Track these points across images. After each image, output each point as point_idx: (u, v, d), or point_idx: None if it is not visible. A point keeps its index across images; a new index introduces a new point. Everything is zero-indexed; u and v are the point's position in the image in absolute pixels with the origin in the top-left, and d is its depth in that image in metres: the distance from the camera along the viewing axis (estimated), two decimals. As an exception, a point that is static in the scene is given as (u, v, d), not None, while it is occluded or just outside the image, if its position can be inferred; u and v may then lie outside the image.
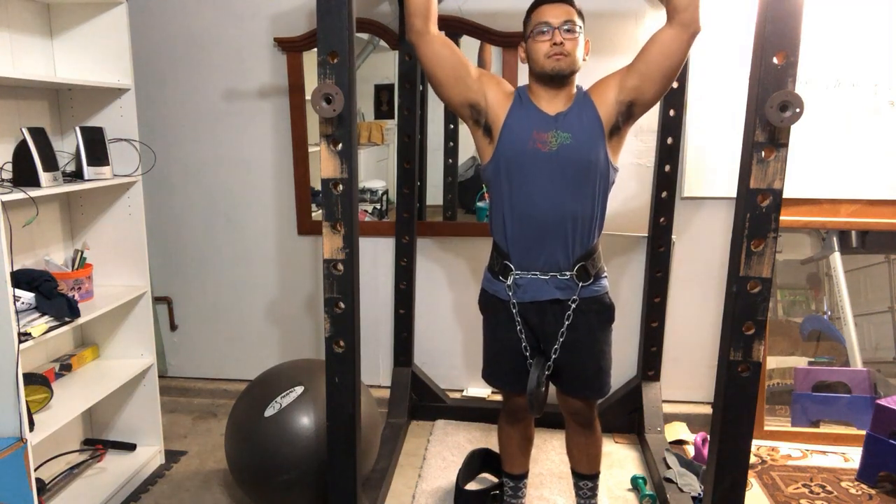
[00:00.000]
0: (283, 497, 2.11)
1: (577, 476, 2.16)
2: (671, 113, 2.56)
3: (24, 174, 1.98)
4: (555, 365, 1.94)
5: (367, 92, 3.06)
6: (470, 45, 2.81)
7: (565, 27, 1.76)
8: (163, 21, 2.91)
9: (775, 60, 1.45)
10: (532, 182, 1.81)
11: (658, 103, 2.58)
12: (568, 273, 1.86)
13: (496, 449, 2.46)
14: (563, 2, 1.79)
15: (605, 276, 1.96)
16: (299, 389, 2.14)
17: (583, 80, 1.88)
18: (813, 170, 2.69)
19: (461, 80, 1.82)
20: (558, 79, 1.79)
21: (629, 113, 1.82)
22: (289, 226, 3.05)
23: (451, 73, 1.81)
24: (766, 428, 2.73)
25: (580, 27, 1.79)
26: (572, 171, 1.79)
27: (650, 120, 2.72)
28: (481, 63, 2.85)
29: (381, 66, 3.04)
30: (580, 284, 1.87)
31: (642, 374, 2.80)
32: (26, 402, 1.86)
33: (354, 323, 1.75)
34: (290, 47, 2.84)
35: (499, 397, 3.01)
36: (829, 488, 2.41)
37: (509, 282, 1.90)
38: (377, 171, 3.26)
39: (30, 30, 2.24)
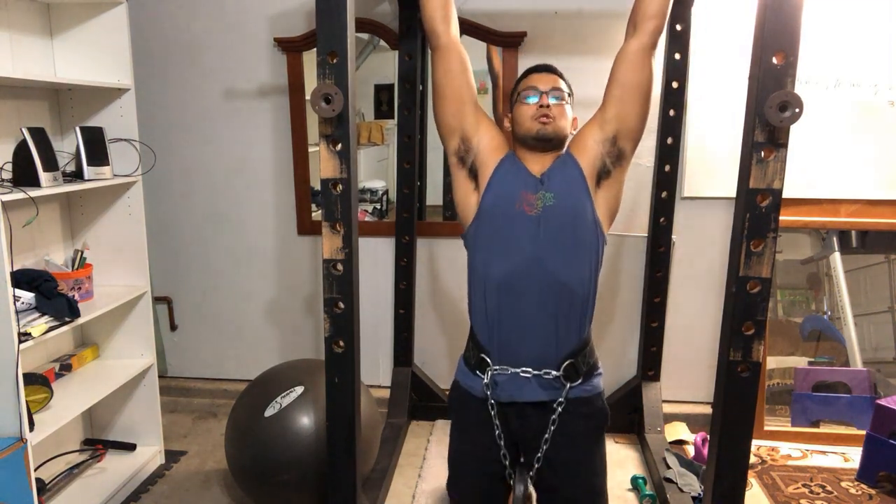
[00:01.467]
0: (283, 497, 2.12)
1: None
2: (671, 113, 2.56)
3: (24, 174, 1.98)
4: (538, 486, 1.71)
5: (367, 92, 3.06)
6: (470, 45, 2.80)
7: (553, 94, 1.70)
8: (163, 21, 2.91)
9: (775, 60, 1.45)
10: (518, 248, 1.66)
11: (658, 103, 2.60)
12: (553, 371, 1.66)
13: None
14: (551, 72, 1.75)
15: (600, 374, 1.76)
16: (299, 389, 2.14)
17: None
18: (813, 170, 2.69)
19: (463, 104, 1.74)
20: (543, 142, 1.70)
21: (617, 151, 1.72)
22: (289, 226, 3.05)
23: (455, 92, 1.74)
24: (766, 428, 2.73)
25: (569, 96, 1.74)
26: (559, 233, 1.66)
27: (650, 120, 2.70)
28: (489, 61, 2.85)
29: (381, 66, 3.05)
30: (567, 385, 1.67)
31: (642, 374, 2.80)
32: (26, 402, 1.86)
33: (354, 323, 1.74)
34: (290, 47, 2.84)
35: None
36: (829, 488, 2.41)
37: (487, 378, 1.69)
38: (377, 171, 3.26)
39: (30, 30, 2.24)
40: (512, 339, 1.68)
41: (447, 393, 2.93)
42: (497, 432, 1.71)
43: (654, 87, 1.75)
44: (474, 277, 1.74)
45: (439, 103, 1.77)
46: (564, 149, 1.76)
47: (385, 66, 3.03)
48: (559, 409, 1.67)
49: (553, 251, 1.66)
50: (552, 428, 1.67)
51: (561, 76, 1.77)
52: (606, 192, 1.73)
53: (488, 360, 1.70)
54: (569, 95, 1.75)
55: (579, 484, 1.72)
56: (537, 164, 1.72)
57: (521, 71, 2.72)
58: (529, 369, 1.66)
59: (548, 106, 1.69)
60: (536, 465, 1.70)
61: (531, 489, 1.71)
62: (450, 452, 1.83)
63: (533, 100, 1.71)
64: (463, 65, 1.74)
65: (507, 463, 1.73)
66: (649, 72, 1.70)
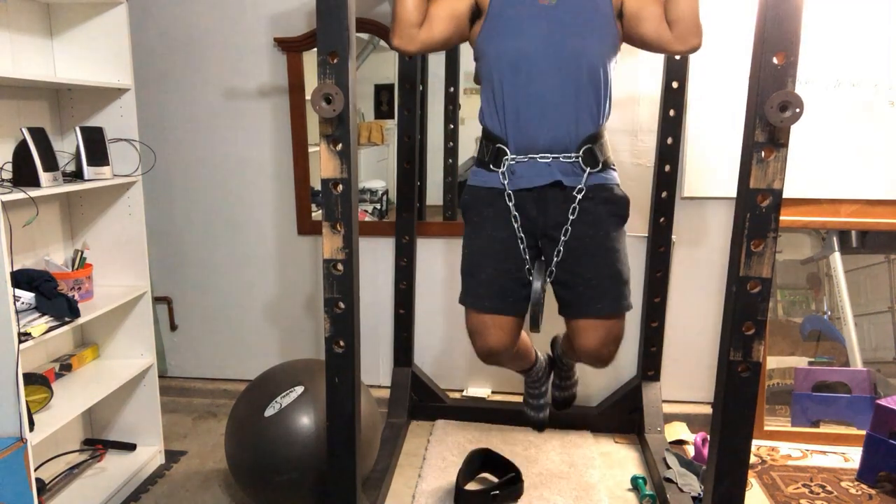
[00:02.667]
0: (283, 497, 2.12)
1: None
2: (671, 113, 2.56)
3: (24, 174, 1.98)
4: (558, 276, 1.64)
5: (367, 92, 3.06)
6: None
7: None
8: (163, 21, 2.91)
9: (775, 60, 1.45)
10: (532, 28, 1.60)
11: (658, 103, 2.60)
12: (573, 155, 1.61)
13: (496, 449, 2.46)
14: None
15: (615, 169, 1.72)
16: (299, 389, 2.15)
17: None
18: (813, 170, 2.69)
19: (456, 15, 1.69)
20: None
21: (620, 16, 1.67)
22: (289, 226, 3.05)
23: (451, 25, 1.69)
24: (766, 428, 2.73)
25: None
26: (576, 16, 1.62)
27: (650, 120, 2.72)
28: None
29: (381, 66, 3.04)
30: (587, 170, 1.62)
31: (642, 374, 2.80)
32: (26, 402, 1.86)
33: (354, 323, 1.74)
34: (290, 47, 2.84)
35: (500, 397, 3.02)
36: (829, 488, 2.41)
37: (503, 168, 1.63)
38: (377, 171, 3.26)
39: (30, 30, 2.24)
40: (530, 123, 1.61)
41: (447, 393, 2.97)
42: (516, 225, 1.64)
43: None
44: (486, 68, 1.67)
45: (448, 44, 1.72)
46: None
47: (385, 66, 3.03)
48: (579, 195, 1.62)
49: (570, 28, 1.61)
50: (572, 217, 1.61)
51: None
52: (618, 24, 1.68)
53: (505, 149, 1.62)
54: None
55: (603, 268, 1.65)
56: None
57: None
58: (548, 154, 1.61)
59: None
60: (557, 259, 1.63)
61: (545, 286, 1.63)
62: (463, 257, 1.74)
63: None
64: (434, 17, 1.68)
65: (528, 258, 1.66)
66: (657, 50, 1.68)
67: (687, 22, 1.61)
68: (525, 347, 1.90)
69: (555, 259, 1.64)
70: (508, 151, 1.63)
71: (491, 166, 1.66)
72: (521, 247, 1.65)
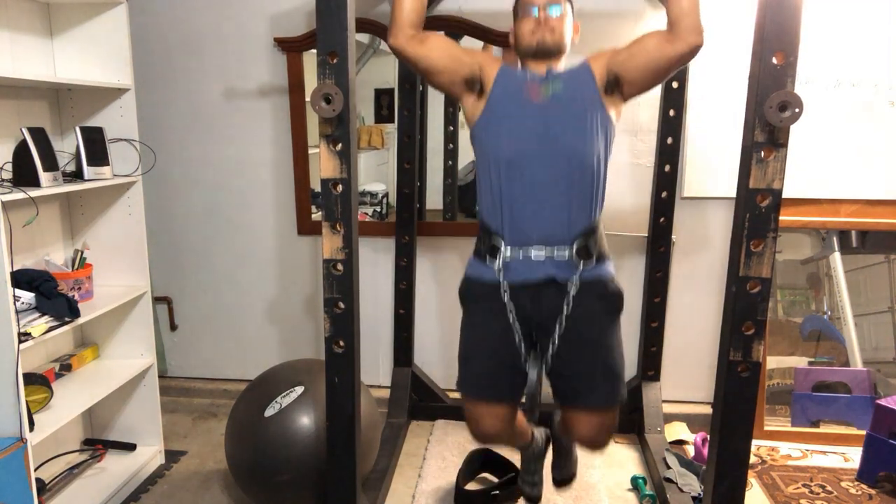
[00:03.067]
0: (283, 497, 2.12)
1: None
2: (671, 113, 2.56)
3: (24, 174, 1.98)
4: (553, 367, 1.70)
5: (368, 96, 3.06)
6: (470, 44, 2.80)
7: (551, 6, 1.71)
8: (163, 21, 2.91)
9: (775, 60, 1.45)
10: (527, 127, 1.67)
11: (658, 103, 2.60)
12: (566, 249, 1.65)
13: (496, 449, 2.46)
14: None
15: (610, 262, 1.74)
16: (299, 389, 2.15)
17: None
18: (813, 170, 2.69)
19: (456, 59, 1.75)
20: (543, 53, 1.72)
21: (617, 83, 1.70)
22: (289, 226, 3.05)
23: (447, 59, 1.74)
24: (766, 428, 2.73)
25: (570, 8, 1.76)
26: (569, 113, 1.68)
27: (650, 120, 2.72)
28: None
29: (381, 71, 3.04)
30: (581, 266, 1.65)
31: (642, 374, 2.80)
32: (26, 402, 1.86)
33: (354, 323, 1.75)
34: (290, 47, 2.84)
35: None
36: (829, 488, 2.41)
37: (498, 263, 1.67)
38: (377, 174, 3.26)
39: (30, 30, 2.24)
40: (524, 218, 1.66)
41: (447, 393, 2.97)
42: (511, 317, 1.68)
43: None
44: (483, 161, 1.73)
45: (436, 77, 1.77)
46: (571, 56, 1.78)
47: (385, 70, 3.03)
48: (573, 290, 1.65)
49: (564, 126, 1.67)
50: (566, 309, 1.65)
51: None
52: (610, 101, 1.72)
53: (500, 243, 1.68)
54: (568, 3, 1.76)
55: (596, 363, 1.69)
56: (542, 68, 1.74)
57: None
58: (542, 248, 1.65)
59: (547, 19, 1.70)
60: (552, 350, 1.67)
61: (542, 376, 1.68)
62: (461, 347, 1.78)
63: (532, 14, 1.72)
64: (438, 36, 1.77)
65: (523, 349, 1.70)
66: (665, 66, 1.67)
67: (688, 20, 1.61)
68: (521, 428, 1.94)
69: (549, 351, 1.69)
70: (504, 245, 1.68)
71: (487, 260, 1.71)
72: (517, 338, 1.70)
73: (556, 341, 1.69)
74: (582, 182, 1.66)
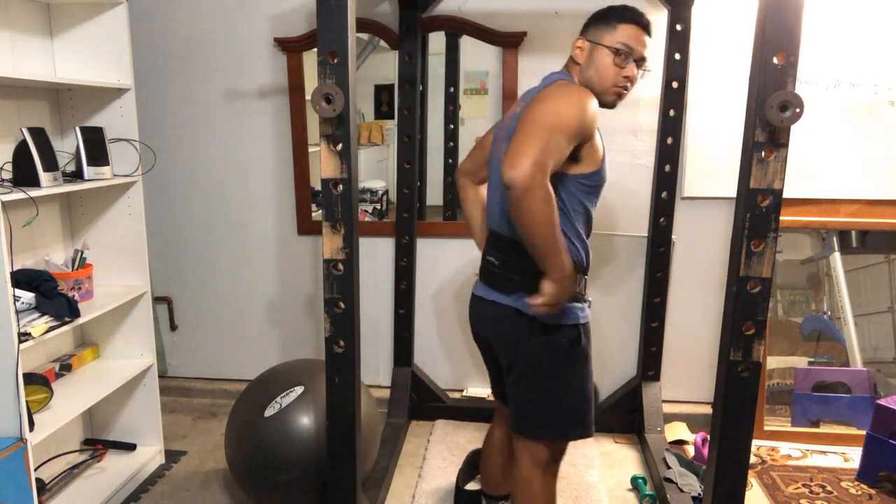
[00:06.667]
0: (283, 497, 2.12)
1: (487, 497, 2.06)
2: (671, 113, 2.56)
3: (24, 174, 1.98)
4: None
5: (367, 92, 3.06)
6: (471, 44, 2.81)
7: (641, 65, 1.68)
8: (163, 21, 2.91)
9: (775, 60, 1.45)
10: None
11: (658, 103, 2.60)
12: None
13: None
14: (649, 35, 1.68)
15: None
16: (299, 389, 2.14)
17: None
18: (813, 170, 2.69)
19: (576, 138, 1.56)
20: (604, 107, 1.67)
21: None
22: (289, 226, 3.05)
23: (567, 148, 1.55)
24: (766, 428, 2.73)
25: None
26: None
27: (650, 120, 2.72)
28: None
29: (381, 67, 3.04)
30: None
31: (642, 374, 2.80)
32: (26, 402, 1.86)
33: (354, 323, 1.74)
34: (290, 47, 2.84)
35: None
36: (829, 488, 2.41)
37: (588, 305, 1.73)
38: (377, 171, 3.26)
39: (30, 30, 2.24)
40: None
41: (447, 393, 2.97)
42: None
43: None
44: (592, 199, 1.67)
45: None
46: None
47: (385, 66, 3.03)
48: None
49: None
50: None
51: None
52: None
53: (586, 279, 1.72)
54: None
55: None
56: None
57: (523, 70, 2.75)
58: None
59: (633, 79, 1.66)
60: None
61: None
62: (581, 391, 1.71)
63: (633, 69, 1.65)
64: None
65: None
66: None
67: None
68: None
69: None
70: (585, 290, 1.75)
71: (583, 298, 1.75)
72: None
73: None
74: None
